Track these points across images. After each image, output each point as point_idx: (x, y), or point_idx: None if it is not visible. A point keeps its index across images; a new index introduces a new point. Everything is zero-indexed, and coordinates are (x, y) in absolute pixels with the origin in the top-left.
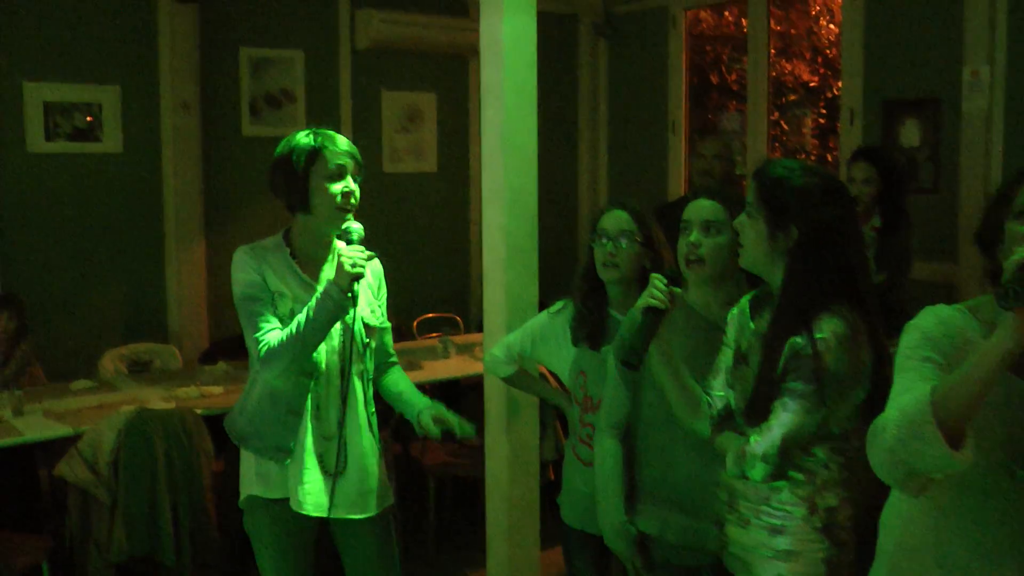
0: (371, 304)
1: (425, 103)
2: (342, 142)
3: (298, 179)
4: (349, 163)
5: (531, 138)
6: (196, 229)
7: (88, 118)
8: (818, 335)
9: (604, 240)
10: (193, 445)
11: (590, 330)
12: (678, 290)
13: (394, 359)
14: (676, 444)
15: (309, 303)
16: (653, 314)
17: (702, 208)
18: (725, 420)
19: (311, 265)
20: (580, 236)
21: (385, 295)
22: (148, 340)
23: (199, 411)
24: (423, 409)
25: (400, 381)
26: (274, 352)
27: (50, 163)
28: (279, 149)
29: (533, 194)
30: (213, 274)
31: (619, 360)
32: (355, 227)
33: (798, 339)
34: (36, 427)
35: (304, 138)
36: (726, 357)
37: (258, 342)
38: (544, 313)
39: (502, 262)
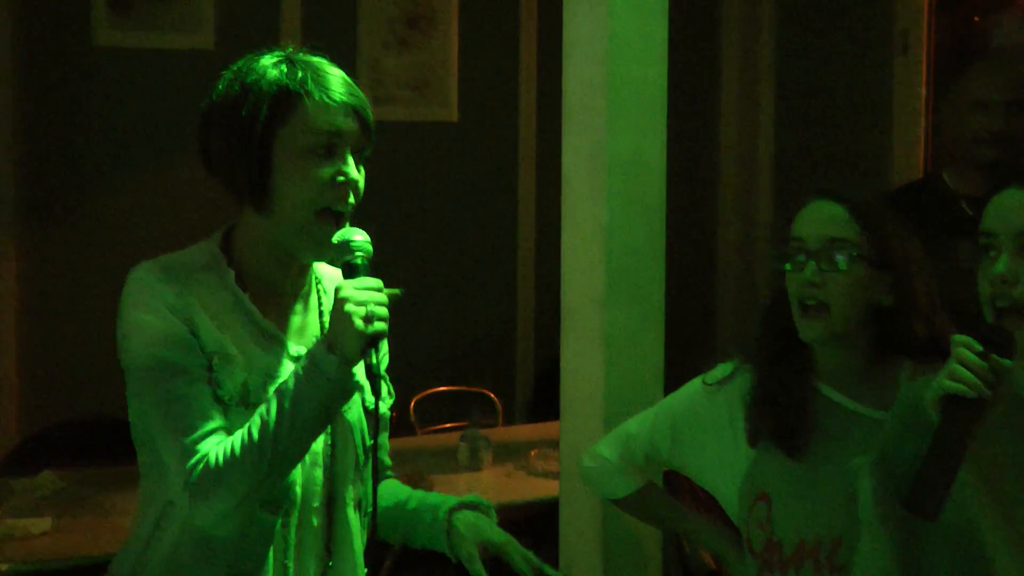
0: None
1: None
2: (339, 82)
3: (254, 149)
4: (349, 126)
5: (657, 68)
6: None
7: None
8: None
9: (800, 258)
10: None
11: (783, 419)
12: (1007, 362)
13: (388, 471)
14: None
15: (285, 383)
16: (963, 411)
17: (1018, 208)
18: None
19: (272, 300)
20: (721, 246)
21: (387, 352)
22: None
23: (4, 568)
24: (452, 508)
25: (399, 490)
26: (219, 476)
27: None
28: (221, 84)
29: (660, 173)
30: (31, 303)
31: (901, 501)
32: (358, 240)
33: None
34: None
35: (272, 68)
36: None
37: (188, 454)
38: (696, 384)
39: (599, 292)
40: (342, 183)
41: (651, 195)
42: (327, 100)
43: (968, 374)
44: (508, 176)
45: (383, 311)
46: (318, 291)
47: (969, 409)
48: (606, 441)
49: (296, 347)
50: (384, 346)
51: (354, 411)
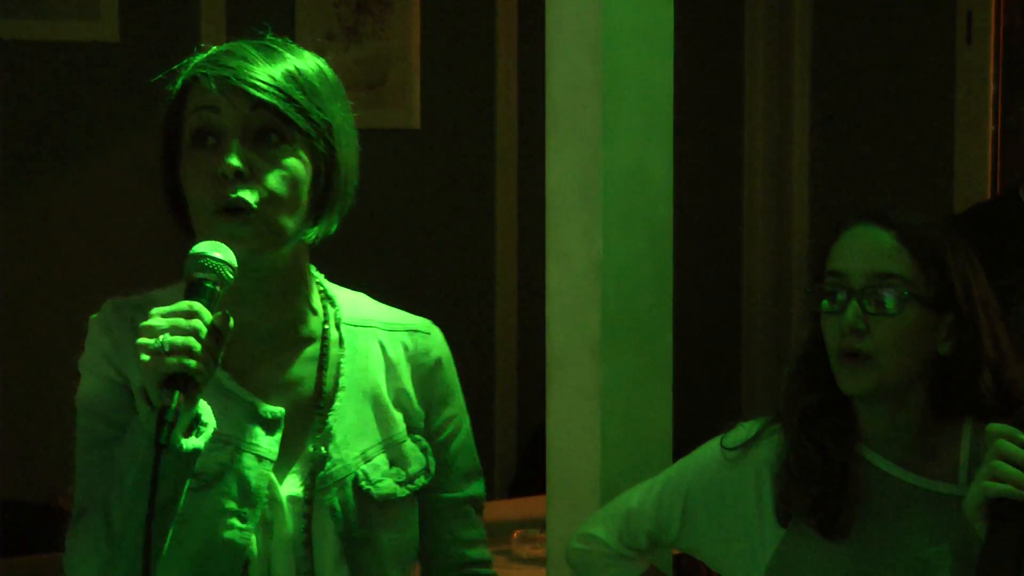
0: (390, 436)
1: None
2: (236, 63)
3: (166, 156)
4: (227, 109)
5: (662, 62)
6: None
7: None
8: None
9: (840, 297)
10: None
11: (819, 492)
12: None
13: (480, 569)
14: None
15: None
16: (1015, 516)
17: None
18: None
19: (250, 345)
20: (745, 279)
21: (457, 415)
22: None
23: None
24: None
25: None
26: (70, 555)
27: None
28: None
29: (666, 191)
30: None
31: None
32: (215, 257)
33: None
34: None
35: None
36: None
37: (70, 528)
38: (712, 447)
39: (593, 338)
40: (221, 174)
41: (656, 218)
42: (205, 83)
43: (1013, 471)
44: (482, 196)
45: (186, 342)
46: (325, 331)
47: (1021, 513)
48: (601, 518)
49: (271, 407)
50: (439, 388)
51: (334, 493)
